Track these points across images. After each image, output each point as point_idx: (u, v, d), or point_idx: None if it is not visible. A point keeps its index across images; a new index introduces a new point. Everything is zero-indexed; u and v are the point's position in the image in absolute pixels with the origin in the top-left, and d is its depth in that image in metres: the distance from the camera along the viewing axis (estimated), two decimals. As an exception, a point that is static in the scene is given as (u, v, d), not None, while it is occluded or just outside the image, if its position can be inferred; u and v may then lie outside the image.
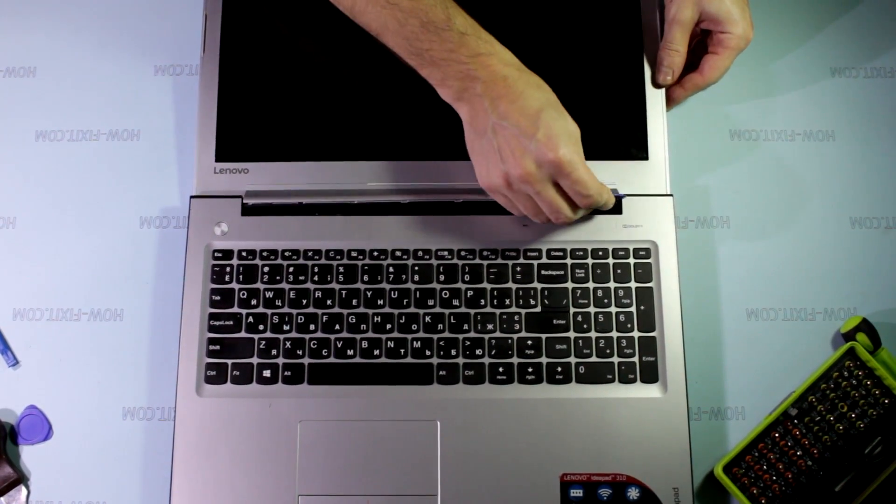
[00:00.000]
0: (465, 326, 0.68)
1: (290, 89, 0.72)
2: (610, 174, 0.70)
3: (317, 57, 0.72)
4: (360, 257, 0.69)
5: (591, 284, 0.69)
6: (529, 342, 0.67)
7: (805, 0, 0.79)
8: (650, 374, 0.67)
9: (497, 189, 0.63)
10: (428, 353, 0.67)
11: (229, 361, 0.67)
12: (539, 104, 0.60)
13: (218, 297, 0.68)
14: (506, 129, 0.60)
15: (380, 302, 0.68)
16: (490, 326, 0.68)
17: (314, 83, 0.72)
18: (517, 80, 0.60)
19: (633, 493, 0.65)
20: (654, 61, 0.70)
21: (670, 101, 0.72)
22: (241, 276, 0.69)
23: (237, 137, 0.71)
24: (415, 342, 0.68)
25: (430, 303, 0.68)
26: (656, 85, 0.71)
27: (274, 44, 0.72)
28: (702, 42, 0.72)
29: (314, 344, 0.68)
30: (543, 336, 0.68)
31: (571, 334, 0.68)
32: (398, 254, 0.69)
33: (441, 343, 0.67)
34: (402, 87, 0.71)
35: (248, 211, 0.70)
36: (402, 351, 0.67)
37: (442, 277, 0.69)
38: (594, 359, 0.67)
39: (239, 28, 0.72)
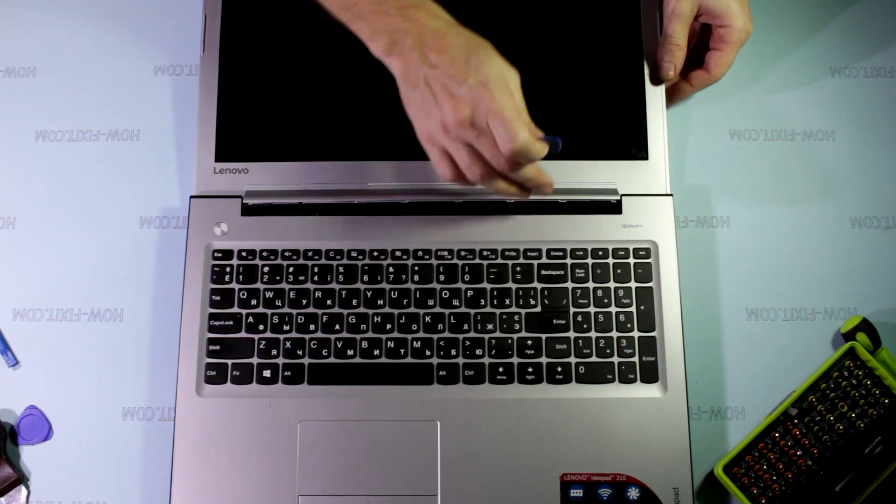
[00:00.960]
0: (465, 326, 0.68)
1: (289, 89, 0.72)
2: (610, 174, 0.70)
3: (316, 57, 0.72)
4: (360, 257, 0.69)
5: (591, 284, 0.69)
6: (529, 342, 0.67)
7: (805, 0, 0.79)
8: (650, 373, 0.67)
9: (435, 139, 0.62)
10: (428, 353, 0.67)
11: (229, 361, 0.67)
12: (468, 51, 0.59)
13: (218, 297, 0.68)
14: (438, 77, 0.59)
15: (380, 302, 0.68)
16: (490, 326, 0.68)
17: (314, 83, 0.72)
18: (447, 32, 0.60)
19: (633, 493, 0.65)
20: (655, 59, 0.70)
21: (676, 97, 0.72)
22: (241, 276, 0.69)
23: (237, 137, 0.71)
24: (415, 342, 0.68)
25: (430, 303, 0.68)
26: (659, 80, 0.71)
27: (274, 43, 0.72)
28: (702, 39, 0.72)
29: (314, 344, 0.68)
30: (543, 336, 0.68)
31: (571, 334, 0.68)
32: (398, 254, 0.69)
33: (441, 343, 0.67)
34: (402, 87, 0.71)
35: (248, 211, 0.70)
36: (402, 351, 0.67)
37: (442, 277, 0.69)
38: (594, 359, 0.67)
39: (239, 28, 0.72)
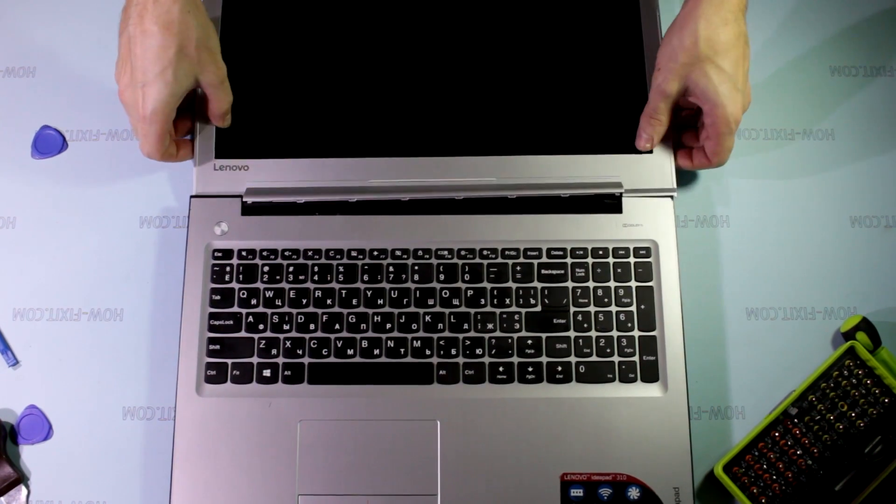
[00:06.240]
0: (466, 326, 0.68)
1: (289, 86, 0.72)
2: (614, 168, 0.70)
3: (316, 54, 0.72)
4: (360, 257, 0.69)
5: (591, 283, 0.68)
6: (529, 341, 0.67)
7: (805, 0, 0.79)
8: (650, 373, 0.67)
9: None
10: (428, 352, 0.67)
11: (229, 361, 0.67)
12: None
13: (218, 297, 0.68)
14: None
15: (380, 301, 0.68)
16: (490, 326, 0.68)
17: (314, 80, 0.72)
18: None
19: (634, 493, 0.65)
20: (643, 124, 0.69)
21: (678, 167, 0.71)
22: (240, 276, 0.69)
23: (237, 134, 0.71)
24: (415, 342, 0.68)
25: (430, 302, 0.68)
26: (637, 146, 0.70)
27: (273, 41, 0.72)
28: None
29: (314, 343, 0.67)
30: (543, 335, 0.68)
31: (572, 333, 0.68)
32: (398, 253, 0.69)
33: (441, 343, 0.67)
34: (403, 84, 0.71)
35: (247, 210, 0.70)
36: (402, 350, 0.67)
37: (442, 277, 0.69)
38: (594, 358, 0.67)
39: (238, 27, 0.72)
